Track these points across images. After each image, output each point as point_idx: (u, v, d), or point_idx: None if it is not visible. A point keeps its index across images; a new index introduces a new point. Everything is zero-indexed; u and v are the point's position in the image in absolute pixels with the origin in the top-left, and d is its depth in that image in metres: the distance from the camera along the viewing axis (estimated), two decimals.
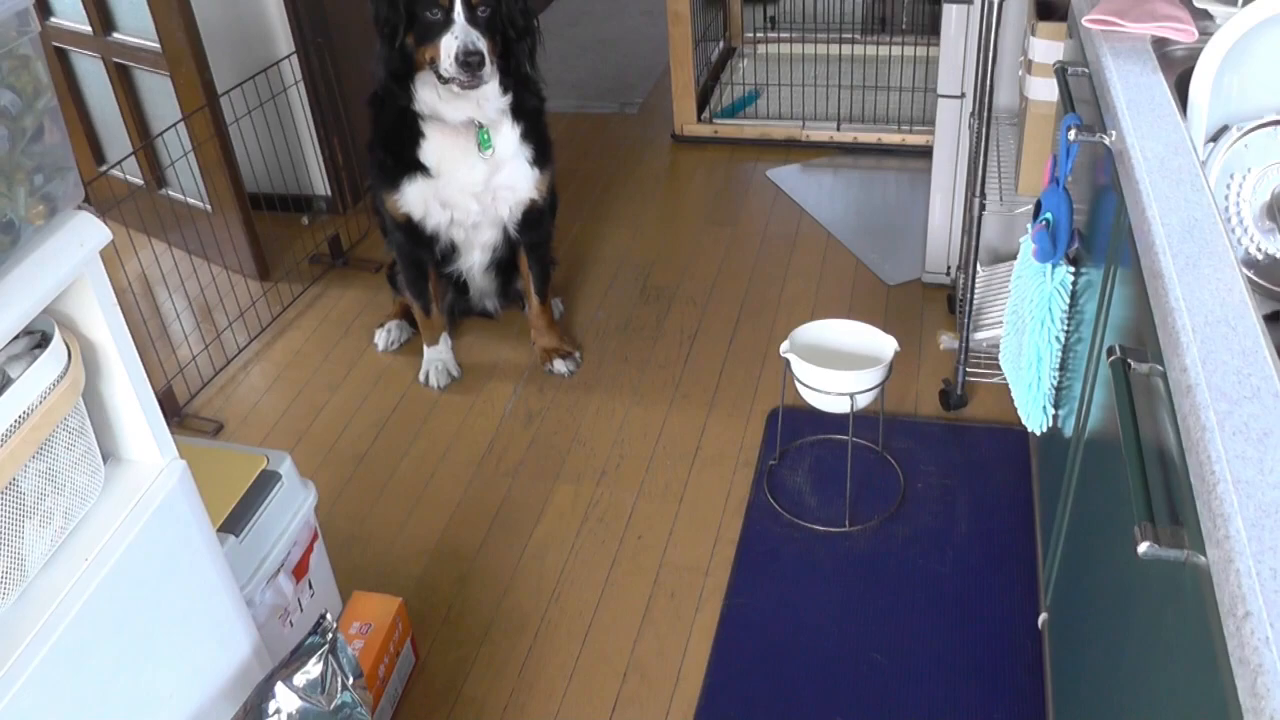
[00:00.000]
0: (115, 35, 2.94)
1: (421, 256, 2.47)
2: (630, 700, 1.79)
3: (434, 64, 2.12)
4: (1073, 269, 1.56)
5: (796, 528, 2.09)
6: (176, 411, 2.51)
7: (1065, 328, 1.59)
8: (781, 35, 4.21)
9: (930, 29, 3.92)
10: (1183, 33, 1.42)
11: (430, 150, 2.27)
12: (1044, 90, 2.05)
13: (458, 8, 2.08)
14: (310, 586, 1.73)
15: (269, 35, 3.09)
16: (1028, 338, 1.65)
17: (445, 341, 2.62)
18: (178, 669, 1.31)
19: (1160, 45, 1.42)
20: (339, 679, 1.41)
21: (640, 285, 2.92)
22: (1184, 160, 1.13)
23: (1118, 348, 1.06)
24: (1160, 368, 0.94)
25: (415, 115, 2.23)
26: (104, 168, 3.22)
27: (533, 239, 2.49)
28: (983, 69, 2.03)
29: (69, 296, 1.14)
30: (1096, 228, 1.43)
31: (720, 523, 2.13)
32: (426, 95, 2.20)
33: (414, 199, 2.33)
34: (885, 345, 2.06)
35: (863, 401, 2.01)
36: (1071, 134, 1.41)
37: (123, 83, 3.04)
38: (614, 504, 2.20)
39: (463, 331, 2.78)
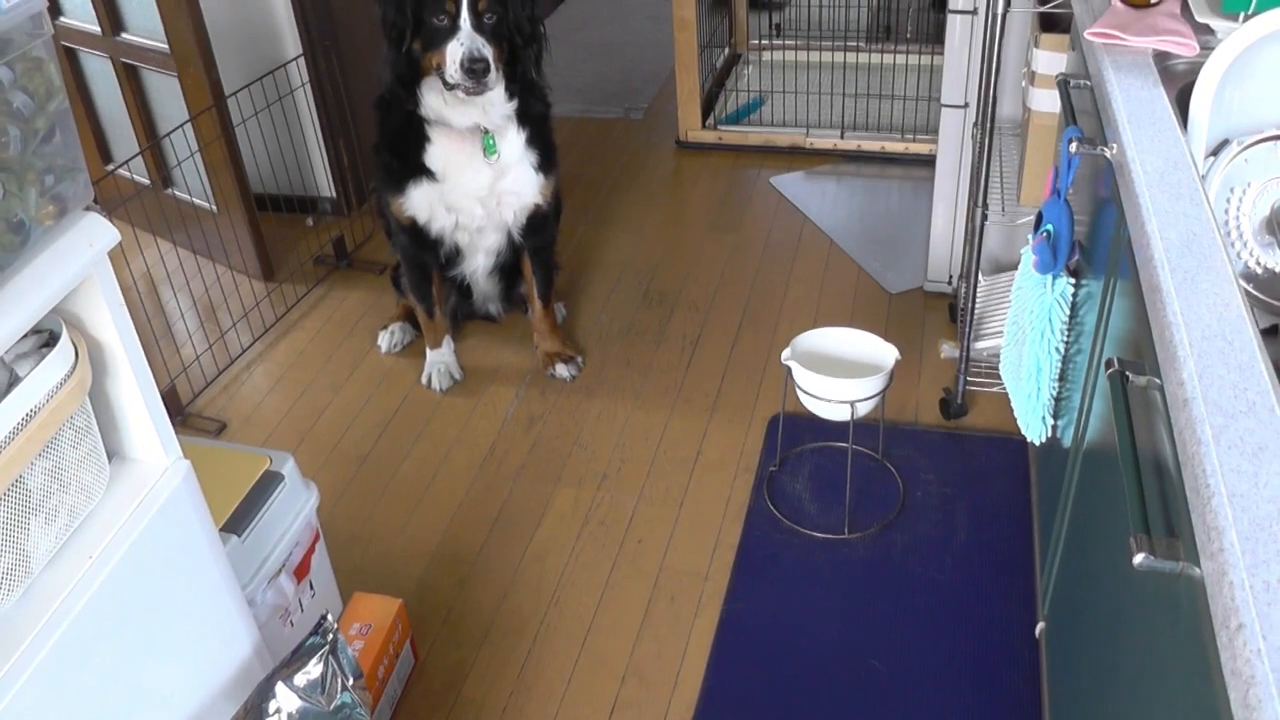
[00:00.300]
0: (124, 35, 2.96)
1: (425, 259, 2.48)
2: (628, 704, 1.80)
3: (440, 70, 2.13)
4: (1073, 281, 1.57)
5: (796, 534, 2.09)
6: (179, 411, 2.52)
7: (1065, 339, 1.60)
8: (787, 42, 4.22)
9: (935, 38, 3.92)
10: (1184, 47, 1.43)
11: (436, 154, 2.28)
12: (1047, 102, 2.06)
13: (464, 15, 2.09)
14: (311, 587, 1.74)
15: (277, 37, 3.10)
16: (1028, 348, 1.66)
17: (448, 344, 2.63)
18: (179, 667, 1.32)
19: (1162, 59, 1.43)
20: (339, 679, 1.42)
21: (643, 290, 2.93)
22: (1183, 174, 1.14)
23: (1116, 360, 1.06)
24: (1158, 381, 0.94)
25: (421, 119, 2.24)
26: (111, 167, 3.24)
27: (537, 243, 2.50)
28: (986, 79, 2.04)
29: (77, 296, 1.15)
30: (1097, 240, 1.44)
31: (720, 528, 2.13)
32: (432, 100, 2.21)
33: (419, 203, 2.34)
34: (886, 353, 2.07)
35: (863, 409, 2.02)
36: (1073, 146, 1.42)
37: (130, 83, 3.06)
38: (614, 508, 2.20)
39: (465, 335, 2.79)
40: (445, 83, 2.14)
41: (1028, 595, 1.91)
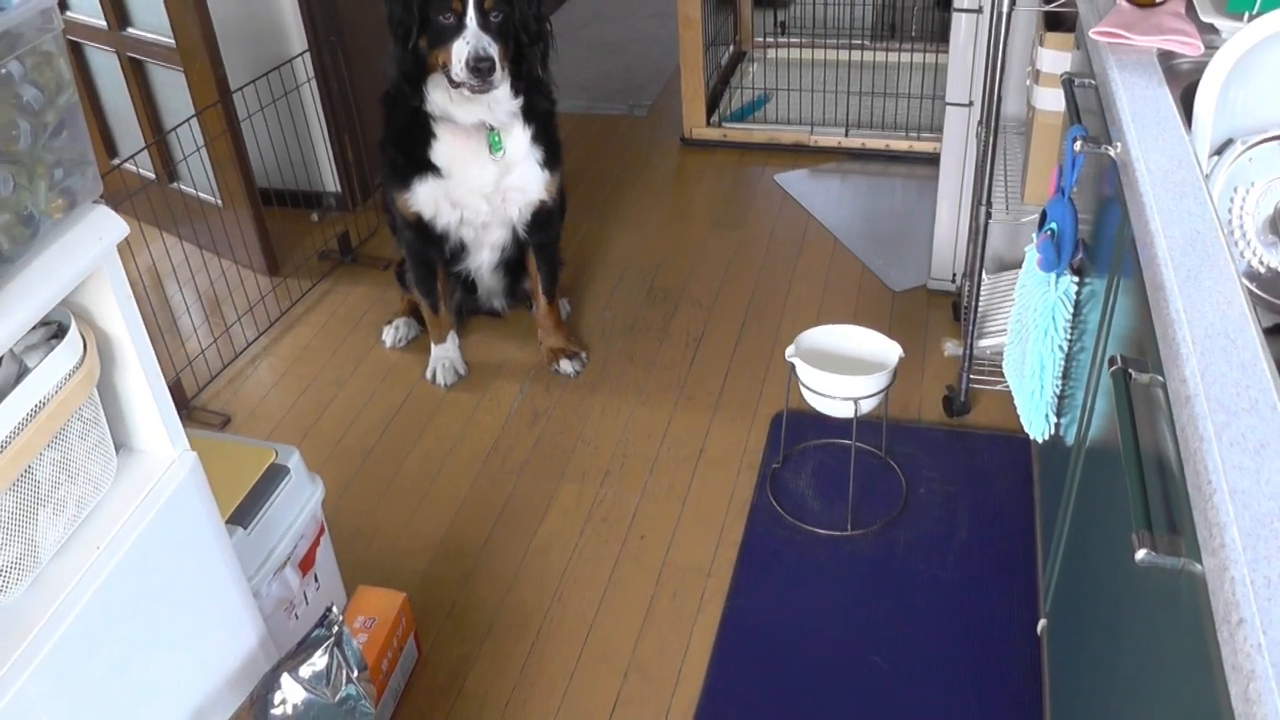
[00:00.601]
0: (130, 30, 2.96)
1: (430, 255, 2.49)
2: (631, 699, 1.81)
3: (446, 68, 2.14)
4: (1077, 279, 1.57)
5: (799, 531, 2.10)
6: (185, 404, 2.53)
7: (1068, 337, 1.60)
8: (791, 40, 4.22)
9: (940, 37, 3.93)
10: (1189, 46, 1.43)
11: (441, 151, 2.28)
12: (1051, 100, 2.06)
13: (470, 12, 2.09)
14: (316, 580, 1.75)
15: (282, 32, 3.11)
16: (1031, 346, 1.66)
17: (453, 339, 2.64)
18: (185, 658, 1.32)
19: (1166, 59, 1.43)
20: (344, 671, 1.42)
21: (647, 287, 2.94)
22: (1187, 173, 1.14)
23: (1119, 358, 1.07)
24: (1161, 378, 0.95)
25: (427, 116, 2.25)
26: (117, 161, 3.24)
27: (541, 239, 2.51)
28: (991, 78, 2.04)
29: (86, 288, 1.15)
30: (1101, 238, 1.44)
31: (723, 524, 2.14)
32: (438, 97, 2.21)
33: (424, 198, 2.35)
34: (890, 351, 2.07)
35: (866, 407, 2.02)
36: (1077, 145, 1.42)
37: (136, 77, 3.06)
38: (618, 504, 2.21)
39: (470, 330, 2.80)
40: (451, 80, 2.15)
41: (1030, 592, 1.92)
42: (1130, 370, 1.05)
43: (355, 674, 1.44)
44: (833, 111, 3.68)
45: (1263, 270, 1.31)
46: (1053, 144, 2.10)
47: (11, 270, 1.04)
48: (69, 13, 3.11)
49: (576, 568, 2.07)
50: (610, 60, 4.51)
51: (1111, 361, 1.07)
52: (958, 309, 2.68)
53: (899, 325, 2.68)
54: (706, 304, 2.84)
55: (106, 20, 2.98)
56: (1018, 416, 1.81)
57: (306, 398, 2.59)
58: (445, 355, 2.62)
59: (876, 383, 2.00)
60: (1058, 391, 1.67)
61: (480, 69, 2.08)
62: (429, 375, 2.62)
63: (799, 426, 2.34)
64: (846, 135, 3.57)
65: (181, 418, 1.31)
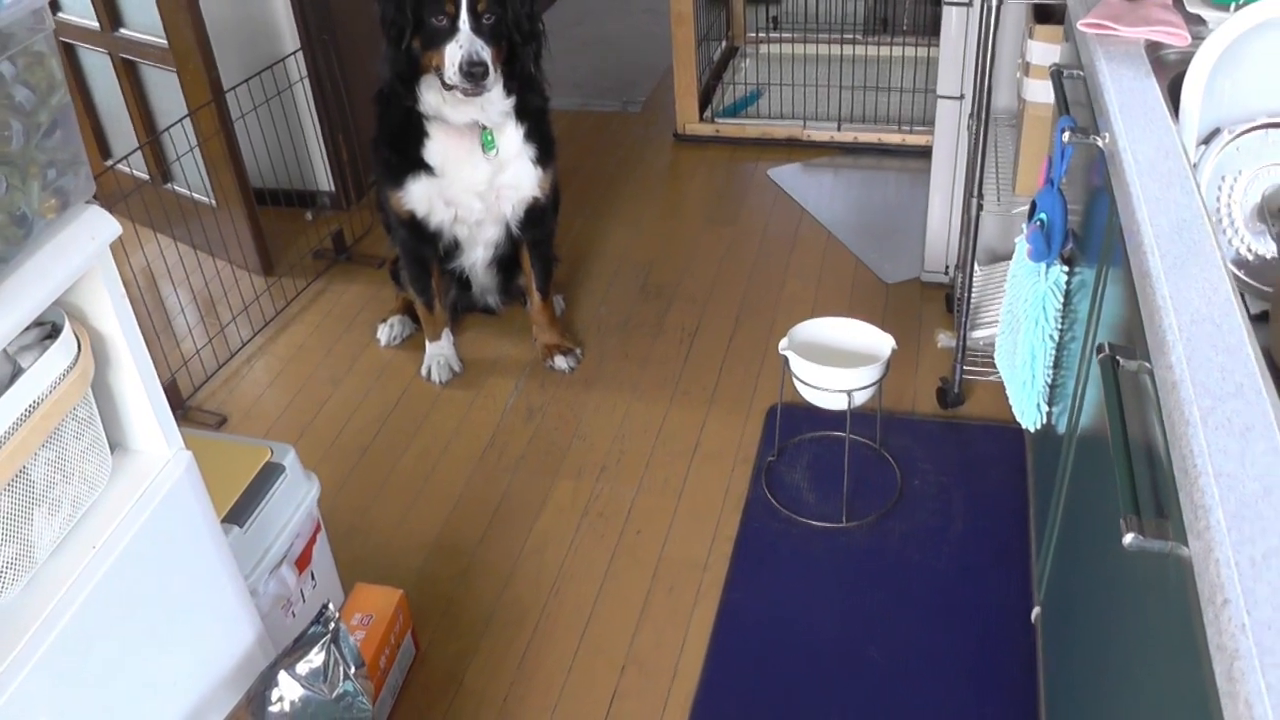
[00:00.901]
0: (122, 31, 2.96)
1: (424, 253, 2.49)
2: (628, 693, 1.81)
3: (438, 70, 2.14)
4: (1067, 268, 1.58)
5: (794, 524, 2.11)
6: (180, 404, 2.53)
7: (1059, 326, 1.61)
8: (784, 35, 4.22)
9: (931, 30, 3.93)
10: (1176, 37, 1.44)
11: (435, 150, 2.29)
12: (1041, 92, 2.06)
13: (463, 16, 2.09)
14: (313, 577, 1.75)
15: (275, 32, 3.10)
16: (1022, 336, 1.67)
17: (447, 337, 2.64)
18: (182, 657, 1.33)
19: (1154, 49, 1.44)
20: (341, 668, 1.43)
21: (641, 283, 2.94)
22: (1174, 163, 1.15)
23: (1107, 345, 1.08)
24: (1148, 365, 0.96)
25: (420, 115, 2.25)
26: (110, 162, 3.24)
27: (535, 236, 2.51)
28: (981, 71, 2.05)
29: (79, 288, 1.16)
30: (1090, 228, 1.45)
31: (719, 518, 2.15)
32: (431, 97, 2.22)
33: (418, 197, 2.35)
34: (883, 343, 2.08)
35: (860, 399, 2.03)
36: (1066, 136, 1.43)
37: (129, 78, 3.06)
38: (613, 499, 2.22)
39: (465, 327, 2.80)
40: (443, 83, 2.15)
41: (1024, 582, 1.92)
42: (1118, 357, 1.06)
43: (352, 670, 1.44)
44: (825, 106, 3.69)
45: (1251, 257, 1.32)
46: (1043, 136, 2.11)
47: (4, 270, 1.05)
48: (61, 14, 3.11)
49: (573, 563, 2.07)
50: (603, 57, 4.51)
51: (1100, 349, 1.08)
52: (951, 301, 2.68)
53: (893, 318, 2.68)
54: (700, 299, 2.85)
55: (99, 21, 2.97)
56: (1010, 407, 1.82)
57: (302, 396, 2.60)
58: (440, 353, 2.62)
59: (869, 375, 2.01)
60: (1049, 381, 1.67)
61: (473, 73, 2.08)
62: (424, 373, 2.62)
63: (793, 420, 2.35)
64: (839, 129, 3.57)
65: (178, 418, 1.31)
